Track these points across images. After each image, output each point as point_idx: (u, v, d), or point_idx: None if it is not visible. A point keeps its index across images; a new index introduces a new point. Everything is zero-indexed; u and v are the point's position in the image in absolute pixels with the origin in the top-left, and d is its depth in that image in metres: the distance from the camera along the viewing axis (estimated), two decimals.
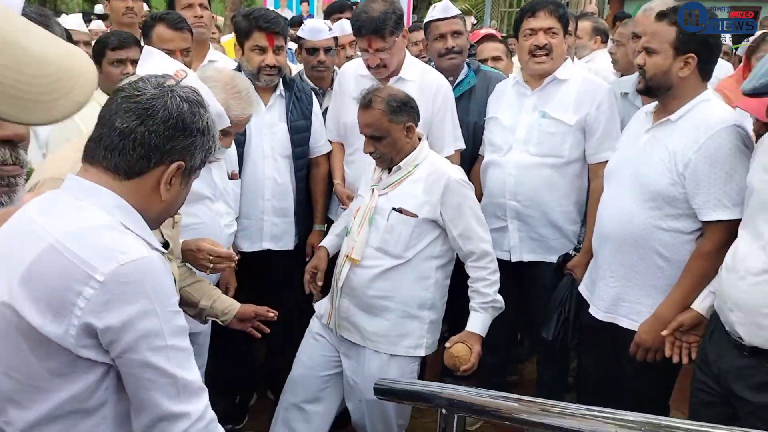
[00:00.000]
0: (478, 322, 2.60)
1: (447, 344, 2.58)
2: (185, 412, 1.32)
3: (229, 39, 4.58)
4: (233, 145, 2.74)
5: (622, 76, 3.70)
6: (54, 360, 1.26)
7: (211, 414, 1.39)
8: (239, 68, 3.14)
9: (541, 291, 3.10)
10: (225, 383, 3.46)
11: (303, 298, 2.98)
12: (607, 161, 2.80)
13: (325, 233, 3.17)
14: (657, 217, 2.40)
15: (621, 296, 2.54)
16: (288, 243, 3.30)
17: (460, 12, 3.55)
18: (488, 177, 3.17)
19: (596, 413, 1.62)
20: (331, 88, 3.55)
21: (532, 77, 3.11)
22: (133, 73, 2.16)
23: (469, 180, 2.76)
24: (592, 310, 2.67)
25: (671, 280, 2.41)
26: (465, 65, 3.46)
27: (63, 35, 2.10)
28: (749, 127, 2.40)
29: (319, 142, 3.38)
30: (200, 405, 1.36)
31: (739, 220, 2.18)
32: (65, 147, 2.06)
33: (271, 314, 2.41)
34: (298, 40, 3.76)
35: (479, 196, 3.07)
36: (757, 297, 1.99)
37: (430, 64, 3.46)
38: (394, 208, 2.59)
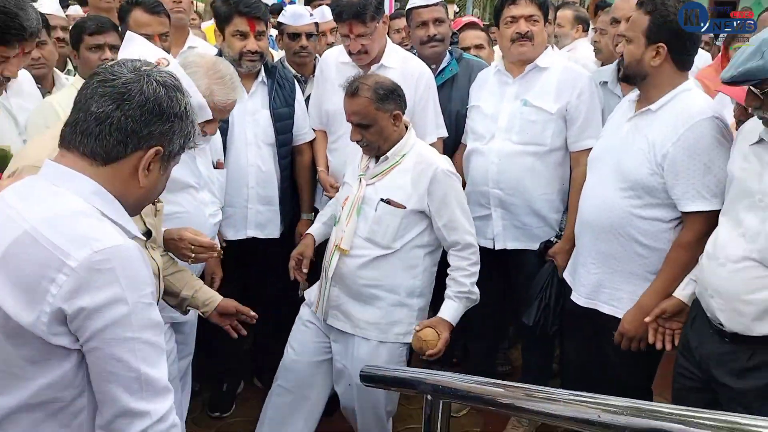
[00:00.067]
0: (450, 310, 2.61)
1: (416, 327, 2.58)
2: (145, 411, 1.26)
3: (209, 25, 4.52)
4: (218, 134, 2.71)
5: (603, 65, 3.72)
6: (28, 348, 1.24)
7: (175, 419, 1.33)
8: (220, 54, 3.10)
9: (525, 279, 3.11)
10: (212, 372, 3.47)
11: (289, 285, 2.97)
12: (588, 149, 2.81)
13: (312, 221, 3.16)
14: (636, 206, 2.42)
15: (602, 283, 2.57)
16: (273, 231, 3.29)
17: (442, 0, 3.54)
18: (471, 165, 3.17)
19: (580, 398, 1.62)
20: (313, 76, 3.53)
21: (514, 65, 3.11)
22: (113, 59, 2.12)
23: None
24: (573, 297, 2.70)
25: (651, 267, 2.44)
26: (447, 53, 3.45)
27: (39, 20, 2.06)
28: (729, 117, 2.42)
29: (303, 130, 3.36)
30: (163, 405, 1.30)
31: (718, 211, 2.21)
32: (44, 134, 2.02)
33: (252, 314, 2.39)
34: (279, 26, 3.72)
35: (462, 184, 3.07)
36: (737, 284, 2.02)
37: (412, 52, 3.45)
38: (382, 199, 2.59)
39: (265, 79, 3.21)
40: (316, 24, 3.77)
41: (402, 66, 3.16)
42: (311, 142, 3.40)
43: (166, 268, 2.24)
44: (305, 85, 3.62)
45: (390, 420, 2.86)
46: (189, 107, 1.43)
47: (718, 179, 2.25)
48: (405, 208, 2.57)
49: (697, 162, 2.28)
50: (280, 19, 3.69)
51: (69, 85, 2.98)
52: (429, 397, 1.94)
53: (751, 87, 1.94)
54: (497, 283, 3.27)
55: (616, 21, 3.37)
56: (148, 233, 2.02)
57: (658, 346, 2.39)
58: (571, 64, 3.30)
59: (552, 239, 3.08)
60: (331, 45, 3.82)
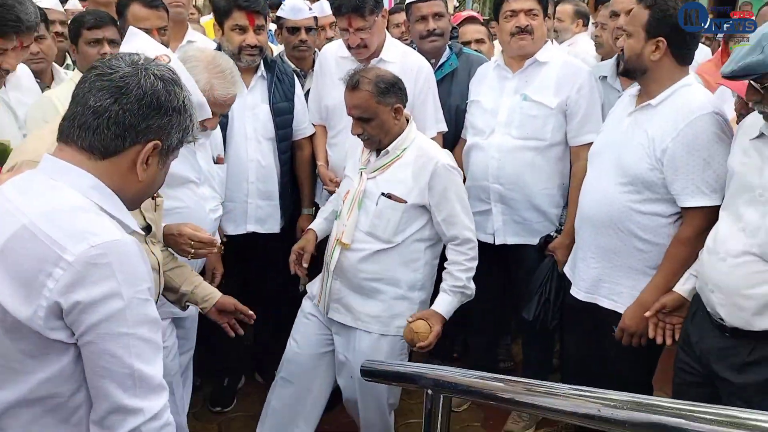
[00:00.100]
0: (444, 304, 2.61)
1: (409, 318, 2.59)
2: (138, 408, 1.25)
3: (208, 20, 4.52)
4: (218, 129, 2.71)
5: (604, 59, 3.71)
6: (26, 342, 1.24)
7: (169, 417, 1.32)
8: (219, 49, 3.08)
9: (525, 273, 3.12)
10: (213, 367, 3.47)
11: (289, 280, 2.97)
12: (588, 144, 2.81)
13: (314, 216, 3.15)
14: (636, 201, 2.42)
15: (601, 277, 2.57)
16: (273, 226, 3.28)
17: None
18: (471, 160, 3.17)
19: (580, 392, 1.62)
20: (312, 70, 3.52)
21: (513, 59, 3.11)
22: (112, 54, 2.11)
23: None
24: (573, 291, 2.70)
25: (651, 262, 2.44)
26: (447, 48, 3.44)
27: (37, 13, 2.06)
28: (729, 112, 2.42)
29: (302, 125, 3.36)
30: (157, 403, 1.28)
31: (718, 206, 2.21)
32: (43, 128, 2.01)
33: (251, 314, 2.38)
34: (278, 20, 3.71)
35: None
36: (737, 278, 2.02)
37: (411, 47, 3.44)
38: (383, 193, 2.59)
39: (264, 74, 3.20)
40: (315, 18, 3.76)
41: (401, 60, 3.15)
42: (311, 137, 3.40)
43: (166, 263, 2.24)
44: (304, 79, 3.61)
45: (392, 413, 2.87)
46: (187, 101, 1.42)
47: (717, 175, 2.25)
48: (406, 202, 2.57)
49: (697, 157, 2.28)
50: (279, 13, 3.68)
51: (68, 80, 2.98)
52: (429, 391, 1.94)
53: (751, 81, 1.94)
54: (497, 278, 3.27)
55: (615, 14, 3.36)
56: (147, 228, 2.02)
57: (659, 340, 2.39)
58: (570, 59, 3.29)
59: (552, 234, 3.08)
60: (330, 39, 3.81)
